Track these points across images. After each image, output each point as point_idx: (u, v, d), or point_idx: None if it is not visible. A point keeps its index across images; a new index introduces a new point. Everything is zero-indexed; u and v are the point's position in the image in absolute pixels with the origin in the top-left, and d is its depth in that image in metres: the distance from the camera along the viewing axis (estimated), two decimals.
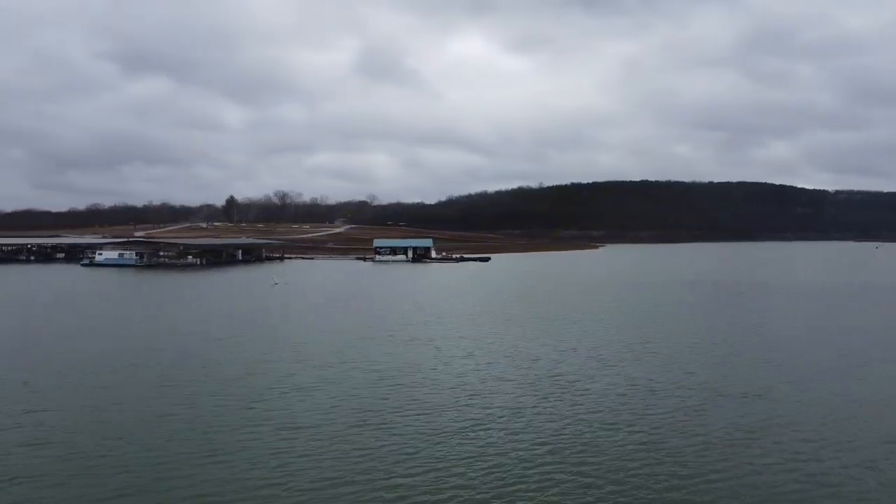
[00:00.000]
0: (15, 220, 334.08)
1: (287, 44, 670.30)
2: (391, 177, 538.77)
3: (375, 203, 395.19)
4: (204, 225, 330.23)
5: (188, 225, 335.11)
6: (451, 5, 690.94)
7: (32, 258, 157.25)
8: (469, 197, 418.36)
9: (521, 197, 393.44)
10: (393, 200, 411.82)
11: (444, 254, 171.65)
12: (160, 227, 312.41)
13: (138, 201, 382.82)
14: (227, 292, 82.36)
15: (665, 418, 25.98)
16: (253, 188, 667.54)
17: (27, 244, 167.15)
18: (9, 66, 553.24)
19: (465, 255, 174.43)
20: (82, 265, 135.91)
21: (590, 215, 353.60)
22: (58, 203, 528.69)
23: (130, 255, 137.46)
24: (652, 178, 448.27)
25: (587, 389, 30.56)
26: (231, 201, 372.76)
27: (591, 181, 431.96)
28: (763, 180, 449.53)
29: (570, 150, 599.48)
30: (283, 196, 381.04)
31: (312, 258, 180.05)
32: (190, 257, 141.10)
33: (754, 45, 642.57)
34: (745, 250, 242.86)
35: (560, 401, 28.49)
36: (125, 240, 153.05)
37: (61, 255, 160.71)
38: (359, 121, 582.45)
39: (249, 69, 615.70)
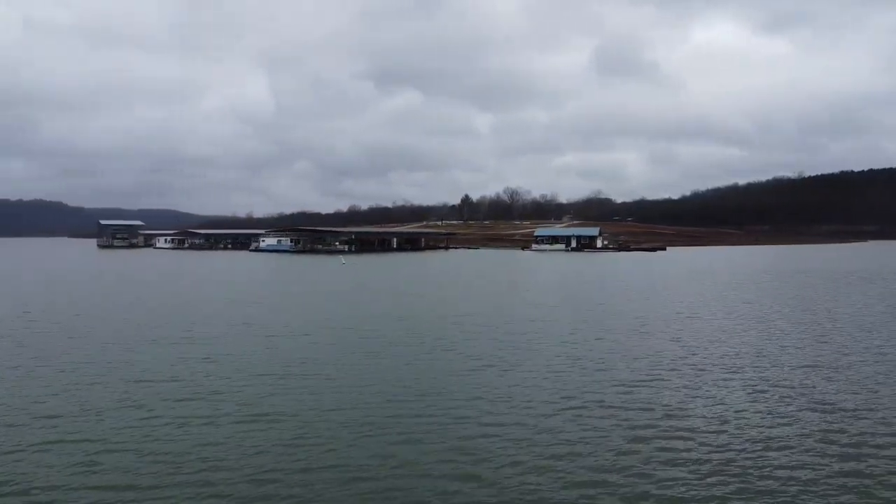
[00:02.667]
0: (289, 220, 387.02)
1: (526, 49, 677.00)
2: (637, 173, 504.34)
3: (616, 200, 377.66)
4: (439, 223, 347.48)
5: (425, 223, 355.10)
6: None
7: (230, 245, 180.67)
8: (716, 191, 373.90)
9: (776, 189, 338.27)
10: (637, 197, 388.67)
11: (606, 243, 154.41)
12: (401, 226, 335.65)
13: (400, 203, 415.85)
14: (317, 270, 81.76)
15: None
16: (498, 189, 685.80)
17: (228, 234, 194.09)
18: (291, 91, 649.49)
19: (632, 246, 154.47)
20: (250, 250, 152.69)
21: (862, 208, 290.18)
22: (338, 206, 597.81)
23: (286, 241, 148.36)
24: None
25: None
26: (465, 200, 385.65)
27: (865, 168, 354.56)
28: None
29: (846, 137, 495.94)
30: (511, 194, 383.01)
31: (477, 248, 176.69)
32: (337, 244, 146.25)
33: None
34: None
35: None
36: (284, 228, 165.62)
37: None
38: (601, 119, 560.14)
39: (492, 76, 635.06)
